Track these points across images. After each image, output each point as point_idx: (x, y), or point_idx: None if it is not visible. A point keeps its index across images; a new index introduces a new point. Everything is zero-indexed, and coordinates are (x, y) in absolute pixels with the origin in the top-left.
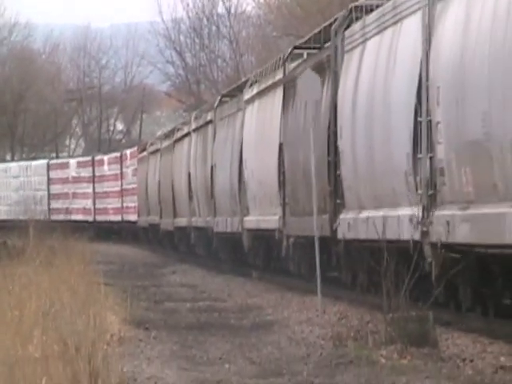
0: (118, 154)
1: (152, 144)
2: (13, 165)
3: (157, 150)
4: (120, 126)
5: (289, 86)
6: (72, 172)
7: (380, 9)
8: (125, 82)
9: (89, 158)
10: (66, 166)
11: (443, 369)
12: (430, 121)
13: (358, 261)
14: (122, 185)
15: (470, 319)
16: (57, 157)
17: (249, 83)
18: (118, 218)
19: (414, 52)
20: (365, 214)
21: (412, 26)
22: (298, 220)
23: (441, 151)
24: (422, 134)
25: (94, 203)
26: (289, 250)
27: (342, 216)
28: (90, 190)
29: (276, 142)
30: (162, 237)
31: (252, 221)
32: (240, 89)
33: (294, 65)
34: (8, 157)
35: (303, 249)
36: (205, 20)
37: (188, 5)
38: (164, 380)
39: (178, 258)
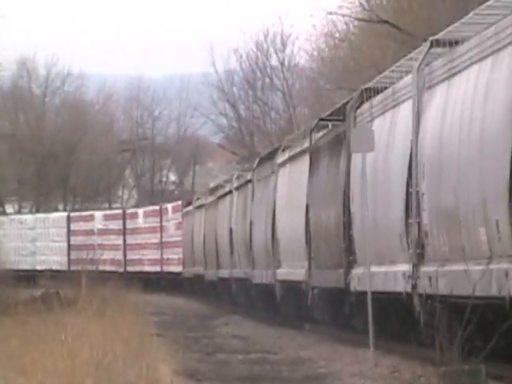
0: (156, 208)
1: (198, 199)
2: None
3: (202, 205)
4: (173, 177)
5: (314, 154)
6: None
7: (384, 93)
8: (178, 134)
9: (119, 211)
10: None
11: None
12: (418, 192)
13: (362, 308)
14: (161, 237)
15: None
16: (109, 208)
17: (281, 148)
18: (157, 268)
19: (406, 133)
20: (371, 269)
21: (406, 111)
22: (321, 272)
23: (425, 217)
24: (412, 202)
25: (125, 255)
26: (314, 300)
27: (353, 271)
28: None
29: (303, 203)
30: (206, 287)
31: (283, 273)
32: (275, 152)
33: (319, 135)
34: (60, 207)
35: (326, 298)
36: (258, 72)
37: (241, 56)
38: None
39: (225, 308)
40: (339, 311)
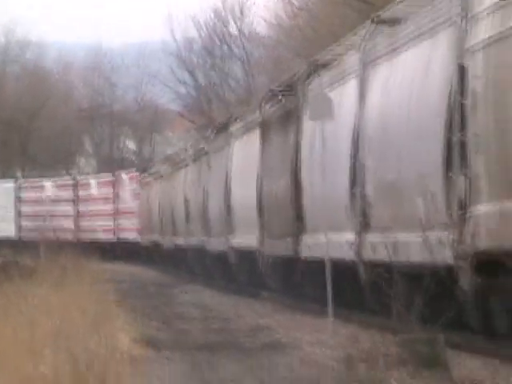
0: (110, 176)
1: (154, 167)
2: None
3: (158, 174)
4: (132, 145)
5: (265, 126)
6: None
7: (331, 68)
8: (137, 102)
9: (71, 180)
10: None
11: None
12: (362, 164)
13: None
14: (116, 206)
15: (481, 341)
16: (67, 174)
17: (235, 119)
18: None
19: (352, 108)
20: (319, 237)
21: (351, 86)
22: (273, 241)
23: (369, 188)
24: (355, 174)
25: (77, 223)
26: (267, 267)
27: (303, 239)
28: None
29: (255, 173)
30: (163, 255)
31: (237, 241)
32: (229, 123)
33: (269, 107)
34: (19, 174)
35: (278, 266)
36: (217, 40)
37: (200, 24)
38: None
39: (184, 276)
40: (290, 278)
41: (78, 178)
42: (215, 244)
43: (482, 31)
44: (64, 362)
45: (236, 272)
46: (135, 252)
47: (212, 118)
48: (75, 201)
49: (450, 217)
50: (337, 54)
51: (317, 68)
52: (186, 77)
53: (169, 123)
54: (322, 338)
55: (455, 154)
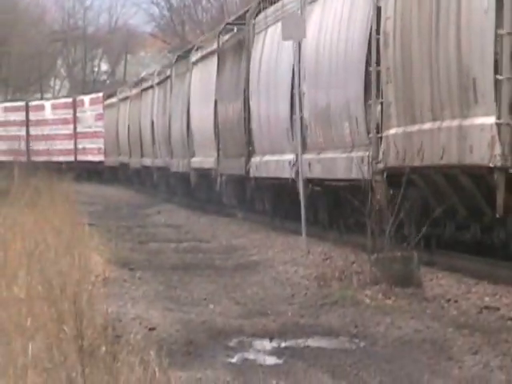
0: (68, 100)
1: (122, 91)
2: None
3: (126, 98)
4: (105, 67)
5: (221, 55)
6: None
7: (275, 5)
8: (109, 23)
9: (22, 104)
10: None
11: (427, 309)
12: (300, 91)
13: (265, 193)
14: (75, 128)
15: (455, 259)
16: (41, 98)
17: (195, 48)
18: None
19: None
20: (265, 158)
21: None
22: (227, 161)
23: (306, 113)
24: (295, 101)
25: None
26: (222, 186)
27: (252, 159)
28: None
29: (212, 99)
30: (130, 175)
31: (196, 161)
32: (190, 51)
33: (225, 37)
34: None
35: (233, 184)
36: None
37: None
38: (149, 320)
39: (154, 196)
40: (243, 195)
41: (32, 101)
42: (178, 165)
43: None
44: (37, 284)
45: (196, 190)
46: (98, 173)
47: (185, 39)
48: (27, 124)
49: (368, 139)
50: None
51: (266, 4)
52: None
53: (142, 44)
54: (295, 257)
55: (373, 84)
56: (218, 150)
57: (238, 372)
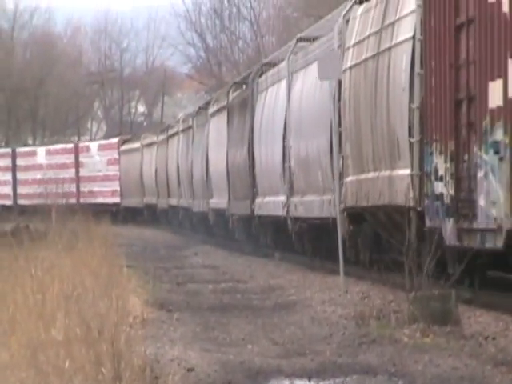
0: (68, 146)
1: (146, 137)
2: None
3: (152, 143)
4: (142, 109)
5: (230, 110)
6: None
7: (272, 70)
8: (146, 65)
9: (8, 150)
10: None
11: (465, 347)
12: (289, 145)
13: (267, 228)
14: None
15: (492, 297)
16: (78, 140)
17: (212, 102)
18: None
19: (283, 102)
20: (266, 199)
21: (283, 86)
22: (236, 202)
23: (292, 162)
24: (285, 152)
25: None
26: (234, 223)
27: (256, 200)
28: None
29: (225, 147)
30: (158, 215)
31: (213, 202)
32: (209, 104)
33: (234, 94)
34: (30, 140)
35: (242, 222)
36: (225, 1)
37: None
38: (187, 361)
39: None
40: (250, 231)
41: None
42: (199, 205)
43: (349, 59)
44: (75, 326)
45: (215, 228)
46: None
47: (221, 80)
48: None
49: (333, 185)
50: (280, 59)
51: (267, 68)
52: (195, 39)
53: (178, 85)
54: (333, 296)
55: (335, 141)
56: (229, 192)
57: None
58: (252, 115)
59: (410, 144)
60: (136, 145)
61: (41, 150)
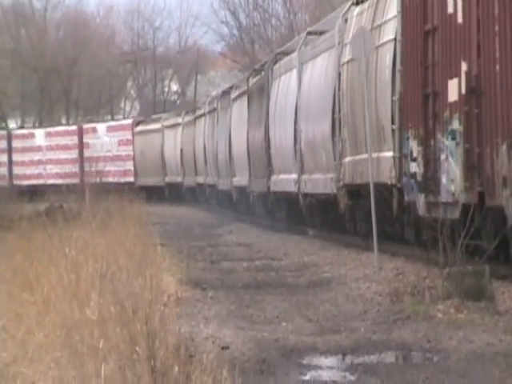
0: (70, 128)
1: (167, 119)
2: None
3: (176, 124)
4: (175, 87)
5: (250, 94)
6: None
7: (285, 59)
8: (179, 44)
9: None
10: None
11: (500, 322)
12: (299, 128)
13: (281, 203)
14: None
15: None
16: (112, 119)
17: (234, 87)
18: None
19: (294, 89)
20: (280, 176)
21: (294, 75)
22: (256, 180)
23: (302, 144)
24: (296, 134)
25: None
26: (254, 200)
27: (272, 178)
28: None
29: (245, 130)
30: (183, 193)
31: (236, 181)
32: (231, 88)
33: (253, 81)
34: (63, 120)
35: (261, 198)
36: None
37: None
38: (221, 340)
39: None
40: (267, 207)
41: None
42: (223, 184)
43: (346, 54)
44: (109, 305)
45: (238, 204)
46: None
47: (254, 58)
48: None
49: (335, 165)
50: (292, 50)
51: (281, 57)
52: (228, 17)
53: (211, 64)
54: (367, 273)
55: (336, 125)
56: (250, 170)
57: None
58: (267, 100)
59: (392, 130)
60: (155, 126)
61: (39, 132)
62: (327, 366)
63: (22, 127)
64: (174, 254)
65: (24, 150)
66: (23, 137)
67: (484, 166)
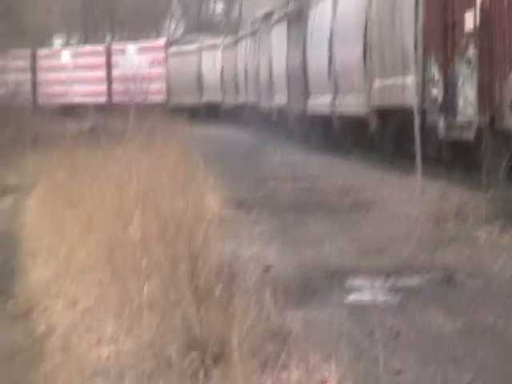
0: (98, 48)
1: (202, 40)
2: None
3: (215, 46)
4: (220, 7)
5: (290, 18)
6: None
7: None
8: None
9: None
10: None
11: None
12: (334, 51)
13: (317, 124)
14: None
15: None
16: (157, 38)
17: (276, 10)
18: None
19: (329, 16)
20: (316, 97)
21: (329, 4)
22: (294, 100)
23: (337, 69)
24: (331, 58)
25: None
26: (292, 119)
27: (309, 100)
28: None
29: (285, 52)
30: (222, 113)
31: (276, 100)
32: (271, 13)
33: (292, 5)
34: (108, 39)
35: (298, 118)
36: None
37: None
38: (265, 259)
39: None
40: (303, 127)
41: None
42: (265, 103)
43: None
44: (152, 224)
45: (276, 123)
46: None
47: None
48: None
49: (365, 87)
50: None
51: None
52: None
53: None
54: (410, 195)
55: (368, 51)
56: (288, 91)
57: (353, 311)
58: (306, 25)
59: (416, 56)
60: (191, 47)
61: (65, 53)
62: (370, 287)
63: (65, 46)
64: (217, 174)
65: (49, 68)
66: (49, 56)
67: (494, 91)
